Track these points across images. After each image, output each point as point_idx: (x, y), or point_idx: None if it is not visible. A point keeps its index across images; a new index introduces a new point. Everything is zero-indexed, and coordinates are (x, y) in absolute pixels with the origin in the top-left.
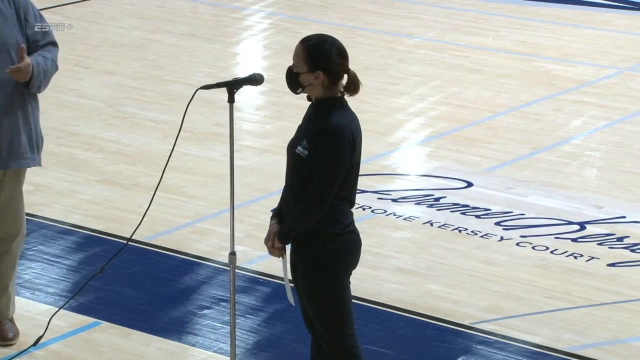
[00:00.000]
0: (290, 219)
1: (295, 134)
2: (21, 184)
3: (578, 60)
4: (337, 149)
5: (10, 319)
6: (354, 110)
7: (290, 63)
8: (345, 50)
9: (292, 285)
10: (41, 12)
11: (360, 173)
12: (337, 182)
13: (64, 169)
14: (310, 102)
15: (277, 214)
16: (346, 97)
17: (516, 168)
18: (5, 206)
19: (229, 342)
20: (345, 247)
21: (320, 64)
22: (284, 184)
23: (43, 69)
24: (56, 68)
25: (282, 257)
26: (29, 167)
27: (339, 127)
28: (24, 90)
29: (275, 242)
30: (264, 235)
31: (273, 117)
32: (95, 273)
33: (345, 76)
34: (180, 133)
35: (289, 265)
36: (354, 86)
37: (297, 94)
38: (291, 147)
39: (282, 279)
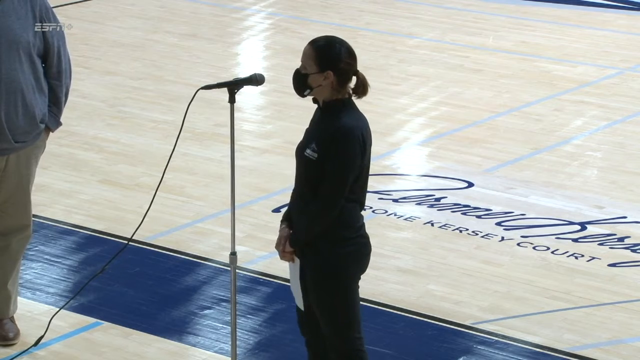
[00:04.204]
0: (302, 222)
1: (304, 136)
2: (30, 170)
3: (578, 61)
4: (348, 151)
5: (10, 319)
6: None
7: (291, 63)
8: (353, 51)
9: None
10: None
11: None
12: (347, 184)
13: (64, 169)
14: (317, 105)
15: (287, 218)
16: (353, 99)
17: (517, 168)
18: (10, 198)
19: (230, 343)
20: (355, 252)
21: (330, 64)
22: (288, 186)
23: (57, 113)
24: (67, 87)
25: (293, 262)
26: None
27: (349, 130)
28: (36, 90)
29: (286, 247)
30: (265, 235)
31: (274, 118)
32: (96, 273)
33: (354, 78)
34: (181, 133)
35: (298, 269)
36: (362, 88)
37: (303, 96)
38: (300, 150)
39: (284, 279)
